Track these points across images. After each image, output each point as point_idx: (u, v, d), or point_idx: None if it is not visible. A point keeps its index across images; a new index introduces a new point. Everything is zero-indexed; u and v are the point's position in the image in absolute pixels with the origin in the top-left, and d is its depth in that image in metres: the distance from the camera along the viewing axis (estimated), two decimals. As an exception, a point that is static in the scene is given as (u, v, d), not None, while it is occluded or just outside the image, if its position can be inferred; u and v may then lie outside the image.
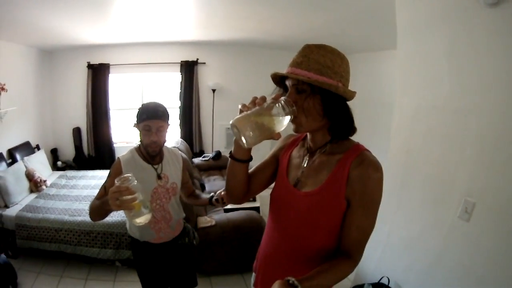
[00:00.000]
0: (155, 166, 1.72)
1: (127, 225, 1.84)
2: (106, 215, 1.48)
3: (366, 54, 4.21)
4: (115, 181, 1.18)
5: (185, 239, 1.90)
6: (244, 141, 0.88)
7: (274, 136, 0.91)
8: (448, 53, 1.67)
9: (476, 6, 1.42)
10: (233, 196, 1.18)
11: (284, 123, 0.91)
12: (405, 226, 2.05)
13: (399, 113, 2.09)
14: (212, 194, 1.68)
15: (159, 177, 1.71)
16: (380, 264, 2.22)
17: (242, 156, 1.05)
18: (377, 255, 2.23)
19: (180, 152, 1.89)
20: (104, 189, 1.60)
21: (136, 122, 1.66)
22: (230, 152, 1.07)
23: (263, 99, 0.92)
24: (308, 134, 1.10)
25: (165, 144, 1.78)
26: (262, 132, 0.88)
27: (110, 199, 1.15)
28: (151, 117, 1.59)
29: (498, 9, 1.35)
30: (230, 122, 0.88)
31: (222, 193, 1.54)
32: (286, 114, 0.90)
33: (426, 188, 1.89)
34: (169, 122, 1.70)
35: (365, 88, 4.33)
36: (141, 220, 1.21)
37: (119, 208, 1.15)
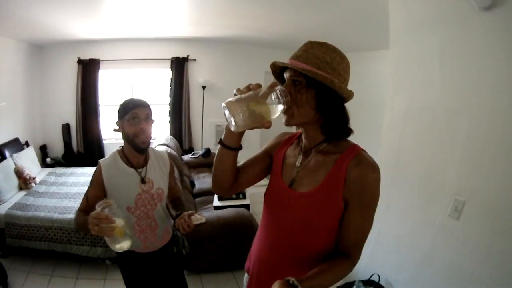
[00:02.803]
0: (139, 170, 1.61)
1: None
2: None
3: (357, 54, 4.21)
4: (96, 206, 1.18)
5: (174, 248, 1.79)
6: (233, 123, 0.86)
7: (264, 124, 0.89)
8: (440, 55, 1.69)
9: (470, 10, 1.44)
10: (219, 185, 1.15)
11: (276, 111, 0.90)
12: (395, 224, 2.08)
13: (390, 113, 2.11)
14: (179, 212, 1.62)
15: (142, 181, 1.60)
16: (370, 261, 2.25)
17: (231, 143, 1.03)
18: (368, 252, 2.25)
19: (167, 155, 1.80)
20: (87, 199, 1.54)
21: (118, 120, 1.57)
22: (220, 139, 1.05)
23: (259, 85, 0.91)
24: (302, 132, 1.09)
25: (153, 146, 1.71)
26: (253, 118, 0.87)
27: (90, 224, 1.14)
28: (138, 105, 1.54)
29: (491, 13, 1.37)
30: (223, 104, 0.86)
31: (186, 219, 1.51)
32: (280, 103, 0.89)
33: (416, 187, 1.92)
34: (153, 118, 1.63)
35: (356, 87, 4.34)
36: (120, 246, 1.21)
37: (98, 233, 1.15)
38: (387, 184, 2.08)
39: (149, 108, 1.59)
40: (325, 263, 0.96)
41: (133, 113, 1.52)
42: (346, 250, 1.00)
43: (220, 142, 1.05)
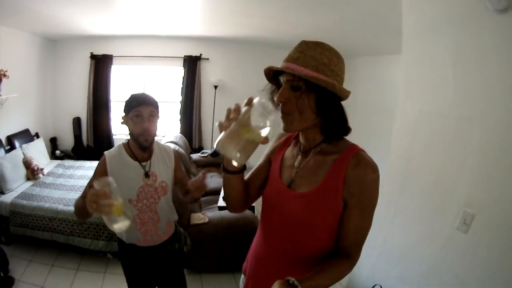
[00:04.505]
0: (143, 164, 1.61)
1: None
2: (88, 216, 1.43)
3: (370, 58, 4.17)
4: (94, 184, 1.16)
5: (175, 245, 1.77)
6: (234, 163, 0.87)
7: (263, 143, 0.87)
8: (454, 59, 1.62)
9: (485, 12, 1.37)
10: (234, 206, 1.18)
11: (267, 125, 0.86)
12: (401, 234, 2.02)
13: (401, 118, 2.05)
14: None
15: (146, 175, 1.60)
16: (373, 271, 2.19)
17: (234, 168, 1.03)
18: (371, 262, 2.20)
19: (173, 149, 1.78)
20: (90, 188, 1.54)
21: (124, 115, 1.56)
22: (222, 164, 1.05)
23: (237, 110, 0.86)
24: (300, 133, 1.08)
25: (158, 140, 1.69)
26: (248, 147, 0.84)
27: (87, 202, 1.12)
28: (141, 102, 1.50)
29: (506, 16, 1.30)
30: (216, 146, 0.85)
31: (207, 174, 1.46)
32: (267, 115, 0.85)
33: (424, 197, 1.85)
34: (159, 113, 1.60)
35: (367, 91, 4.30)
36: (119, 226, 1.18)
37: (96, 211, 1.13)
38: (395, 193, 2.03)
39: (154, 105, 1.55)
40: (325, 263, 0.96)
41: (136, 111, 1.50)
42: (346, 250, 0.99)
43: (223, 168, 1.05)
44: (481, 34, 1.46)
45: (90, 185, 1.53)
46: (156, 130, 1.58)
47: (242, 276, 1.28)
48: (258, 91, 1.08)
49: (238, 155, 0.83)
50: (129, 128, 1.55)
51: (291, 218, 1.03)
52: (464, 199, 1.57)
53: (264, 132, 0.86)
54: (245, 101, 0.88)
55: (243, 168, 1.04)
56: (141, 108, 1.50)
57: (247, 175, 1.18)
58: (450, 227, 1.63)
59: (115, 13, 3.65)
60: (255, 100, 0.86)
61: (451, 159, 1.67)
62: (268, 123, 0.86)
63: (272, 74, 1.02)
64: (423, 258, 1.81)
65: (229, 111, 0.87)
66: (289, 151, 1.14)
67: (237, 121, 0.84)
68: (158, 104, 1.59)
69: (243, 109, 0.86)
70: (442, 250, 1.69)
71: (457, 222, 1.59)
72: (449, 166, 1.68)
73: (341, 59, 0.96)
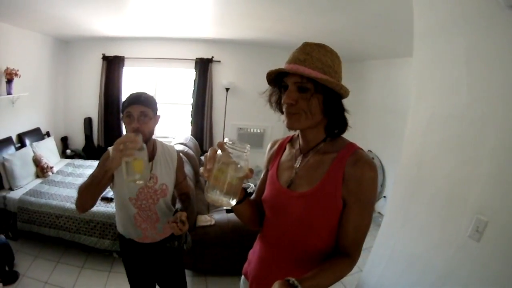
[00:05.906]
0: None
1: (116, 220, 1.78)
2: (95, 191, 1.44)
3: (381, 61, 4.11)
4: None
5: (175, 243, 1.75)
6: (230, 207, 0.90)
7: (248, 178, 0.88)
8: (466, 58, 1.57)
9: (496, 8, 1.32)
10: (252, 225, 1.21)
11: (246, 162, 0.86)
12: (411, 242, 1.95)
13: (412, 121, 1.99)
14: (176, 209, 1.60)
15: None
16: (381, 279, 2.12)
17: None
18: (379, 271, 2.13)
19: (175, 150, 1.76)
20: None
21: (122, 116, 1.54)
22: None
23: (212, 158, 0.85)
24: (300, 134, 1.10)
25: (168, 142, 1.70)
26: (235, 186, 0.86)
27: (115, 144, 1.17)
28: (132, 102, 1.47)
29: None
30: (208, 200, 0.86)
31: (180, 225, 1.47)
32: (241, 153, 0.85)
33: (436, 203, 1.79)
34: (157, 111, 1.56)
35: (380, 94, 4.24)
36: (133, 178, 1.23)
37: (120, 153, 1.16)
38: (406, 199, 1.97)
39: (146, 105, 1.49)
40: (325, 263, 0.96)
41: (127, 112, 1.48)
42: (346, 249, 1.00)
43: None
44: (493, 31, 1.41)
45: (93, 174, 1.53)
46: (150, 130, 1.53)
47: (242, 277, 1.31)
48: (259, 93, 1.12)
49: (228, 200, 0.86)
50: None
51: (292, 218, 1.03)
52: (477, 206, 1.51)
53: (245, 167, 0.86)
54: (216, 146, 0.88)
55: (244, 197, 1.04)
56: (131, 108, 1.46)
57: (253, 193, 1.20)
58: (462, 235, 1.56)
59: (127, 15, 3.68)
60: (226, 141, 0.87)
61: (464, 163, 1.60)
62: (245, 158, 0.86)
63: (273, 76, 1.03)
64: (433, 268, 1.74)
65: (206, 163, 0.86)
66: (285, 155, 1.16)
67: (216, 168, 0.85)
68: (155, 102, 1.55)
69: (218, 153, 0.86)
70: (453, 259, 1.63)
71: (469, 229, 1.52)
72: (461, 171, 1.61)
73: (340, 60, 1.00)
